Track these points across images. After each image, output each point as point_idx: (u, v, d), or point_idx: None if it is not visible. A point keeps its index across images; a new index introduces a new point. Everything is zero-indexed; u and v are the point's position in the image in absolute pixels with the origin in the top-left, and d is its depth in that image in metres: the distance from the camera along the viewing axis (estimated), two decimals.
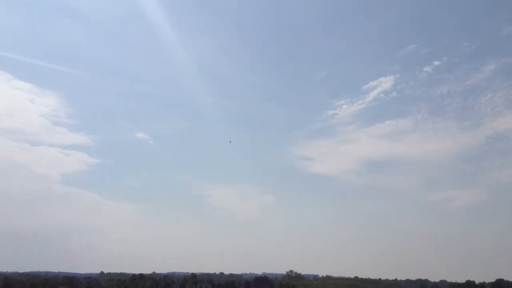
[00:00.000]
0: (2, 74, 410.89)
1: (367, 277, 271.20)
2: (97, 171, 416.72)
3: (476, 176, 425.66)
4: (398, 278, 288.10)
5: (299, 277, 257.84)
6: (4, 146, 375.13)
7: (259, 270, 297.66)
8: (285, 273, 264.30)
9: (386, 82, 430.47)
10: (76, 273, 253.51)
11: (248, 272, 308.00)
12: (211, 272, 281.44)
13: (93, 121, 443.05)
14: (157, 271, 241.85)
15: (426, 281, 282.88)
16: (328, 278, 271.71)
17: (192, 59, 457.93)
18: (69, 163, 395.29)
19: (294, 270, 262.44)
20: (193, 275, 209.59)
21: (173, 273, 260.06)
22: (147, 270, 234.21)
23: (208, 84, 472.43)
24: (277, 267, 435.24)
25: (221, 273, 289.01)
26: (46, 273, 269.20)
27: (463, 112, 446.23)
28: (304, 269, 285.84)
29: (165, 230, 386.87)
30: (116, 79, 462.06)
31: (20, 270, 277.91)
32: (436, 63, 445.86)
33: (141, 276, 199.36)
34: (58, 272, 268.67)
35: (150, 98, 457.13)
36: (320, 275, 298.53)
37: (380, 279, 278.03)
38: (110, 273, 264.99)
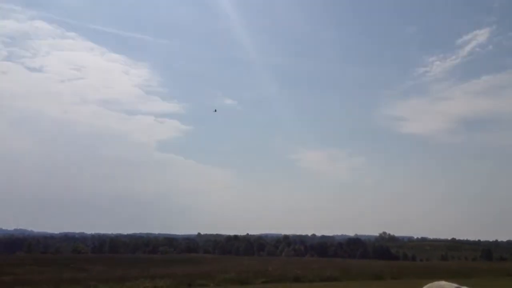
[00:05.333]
0: (98, 49, 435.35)
1: (466, 239, 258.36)
2: (190, 137, 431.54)
3: None
4: (499, 240, 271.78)
5: (392, 238, 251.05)
6: (103, 116, 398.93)
7: (351, 232, 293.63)
8: (378, 234, 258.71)
9: (481, 35, 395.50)
10: (175, 235, 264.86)
11: (340, 233, 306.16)
12: (303, 234, 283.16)
13: (183, 89, 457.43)
14: (251, 233, 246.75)
15: None
16: (424, 240, 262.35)
17: (270, 21, 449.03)
18: (163, 130, 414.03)
19: (388, 231, 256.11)
20: (286, 237, 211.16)
21: (266, 235, 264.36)
22: (241, 231, 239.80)
23: (290, 46, 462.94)
24: (369, 228, 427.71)
25: (313, 235, 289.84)
26: (148, 234, 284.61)
27: None
28: (397, 231, 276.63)
29: (257, 193, 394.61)
30: (202, 46, 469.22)
31: (124, 232, 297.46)
32: None
33: (236, 237, 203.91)
34: (159, 234, 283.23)
35: (235, 64, 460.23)
36: (415, 237, 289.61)
37: (479, 240, 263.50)
38: (206, 234, 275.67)
